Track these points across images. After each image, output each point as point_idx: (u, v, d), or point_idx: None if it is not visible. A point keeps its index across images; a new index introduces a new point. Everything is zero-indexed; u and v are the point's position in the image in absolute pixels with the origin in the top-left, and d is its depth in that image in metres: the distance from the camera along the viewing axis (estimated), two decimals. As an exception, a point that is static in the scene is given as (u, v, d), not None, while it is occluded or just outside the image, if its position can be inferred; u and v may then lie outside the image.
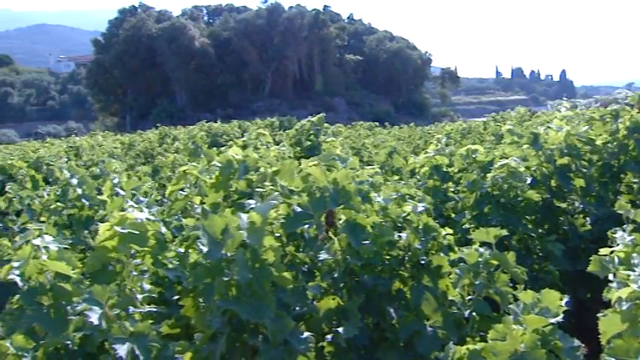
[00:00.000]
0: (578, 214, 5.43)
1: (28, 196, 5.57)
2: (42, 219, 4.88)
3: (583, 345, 2.37)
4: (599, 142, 5.73)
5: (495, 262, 3.23)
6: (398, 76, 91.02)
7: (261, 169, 3.64)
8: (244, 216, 2.62)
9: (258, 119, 26.70)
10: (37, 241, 2.55)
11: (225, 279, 2.55)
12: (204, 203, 3.65)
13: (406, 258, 3.32)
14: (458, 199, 5.52)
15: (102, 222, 3.26)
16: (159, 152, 14.96)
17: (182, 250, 3.04)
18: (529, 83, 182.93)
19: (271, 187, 3.42)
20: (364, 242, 3.07)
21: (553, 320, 2.31)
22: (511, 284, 3.23)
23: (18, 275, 2.49)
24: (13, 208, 5.61)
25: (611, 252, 2.54)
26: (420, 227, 3.32)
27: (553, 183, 5.40)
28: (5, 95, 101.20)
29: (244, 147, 4.90)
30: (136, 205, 3.14)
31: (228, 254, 2.58)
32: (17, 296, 2.52)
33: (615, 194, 5.46)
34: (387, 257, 3.27)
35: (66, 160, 10.28)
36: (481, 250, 3.25)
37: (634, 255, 2.45)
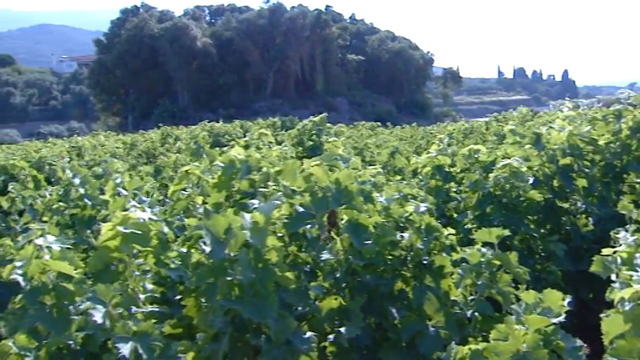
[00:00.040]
0: (581, 214, 5.42)
1: (31, 195, 5.57)
2: (44, 219, 4.88)
3: (585, 345, 2.37)
4: (601, 142, 5.72)
5: (498, 262, 3.23)
6: (400, 76, 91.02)
7: (264, 169, 3.64)
8: (247, 216, 2.62)
9: (260, 119, 26.74)
10: (39, 241, 2.55)
11: (228, 279, 2.55)
12: (206, 203, 3.66)
13: (408, 258, 3.31)
14: (460, 199, 5.52)
15: (104, 222, 3.27)
16: (161, 152, 14.98)
17: (184, 250, 3.05)
18: (531, 83, 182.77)
19: (274, 187, 3.42)
20: (366, 242, 3.07)
21: (555, 320, 2.30)
22: (513, 284, 3.22)
23: (20, 275, 2.49)
24: (15, 207, 5.61)
25: (614, 252, 2.54)
26: (423, 227, 3.32)
27: (555, 183, 5.39)
28: (7, 95, 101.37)
29: (246, 147, 4.89)
30: (138, 205, 3.14)
31: (231, 254, 2.58)
32: (20, 296, 2.52)
33: (618, 194, 5.45)
34: (390, 257, 3.27)
35: (68, 160, 10.30)
36: (483, 250, 3.25)
37: (637, 255, 2.44)
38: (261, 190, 3.55)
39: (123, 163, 10.62)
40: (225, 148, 5.00)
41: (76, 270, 2.55)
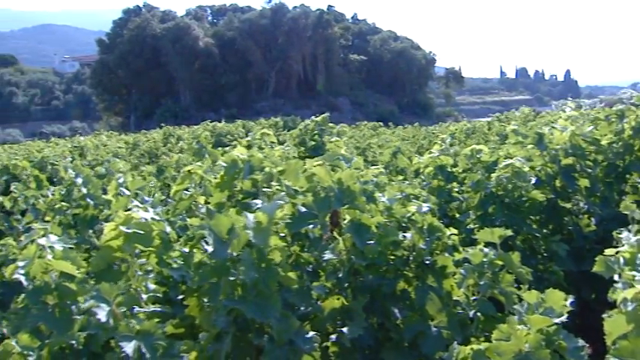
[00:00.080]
0: (583, 214, 5.42)
1: (33, 195, 5.58)
2: (47, 218, 4.88)
3: (587, 345, 2.37)
4: (604, 143, 5.71)
5: (500, 263, 3.23)
6: (402, 76, 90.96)
7: (266, 169, 3.64)
8: (250, 216, 2.63)
9: (262, 119, 26.71)
10: (42, 241, 2.55)
11: (231, 278, 2.55)
12: (208, 203, 3.66)
13: (411, 258, 3.31)
14: (462, 199, 5.51)
15: (107, 221, 3.27)
16: (163, 152, 14.99)
17: (187, 249, 3.04)
18: (533, 83, 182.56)
19: (277, 187, 3.42)
20: (369, 242, 3.07)
21: (557, 320, 2.30)
22: (516, 284, 3.22)
23: (23, 275, 2.49)
24: (17, 207, 5.62)
25: (616, 252, 2.53)
26: (425, 227, 3.32)
27: (558, 183, 5.39)
28: (10, 95, 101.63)
29: (249, 147, 4.90)
30: (140, 205, 3.14)
31: (234, 254, 2.58)
32: (22, 295, 2.52)
33: (620, 194, 5.44)
34: (392, 257, 3.27)
35: (70, 159, 10.30)
36: (486, 250, 3.25)
37: (639, 255, 2.44)
38: (263, 190, 3.55)
39: (125, 162, 10.61)
40: (227, 148, 5.01)
41: (78, 270, 2.55)
